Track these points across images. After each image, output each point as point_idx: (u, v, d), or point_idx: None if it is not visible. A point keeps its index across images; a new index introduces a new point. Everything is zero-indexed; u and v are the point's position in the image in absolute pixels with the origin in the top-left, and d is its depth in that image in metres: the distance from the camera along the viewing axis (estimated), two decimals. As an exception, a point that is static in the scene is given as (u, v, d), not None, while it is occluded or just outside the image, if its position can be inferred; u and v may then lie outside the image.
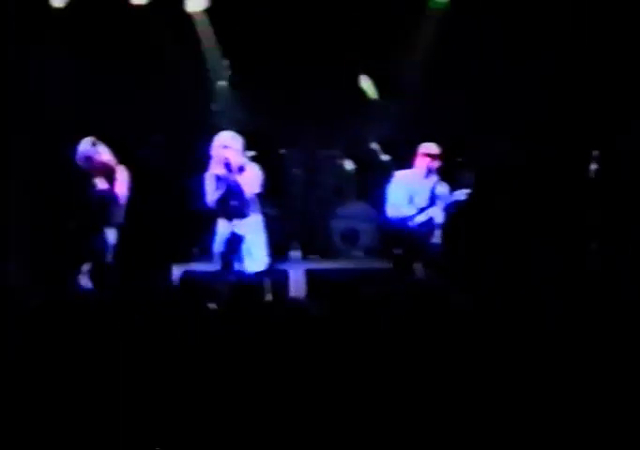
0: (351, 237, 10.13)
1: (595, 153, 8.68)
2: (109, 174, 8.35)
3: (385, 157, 9.65)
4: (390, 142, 9.65)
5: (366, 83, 10.18)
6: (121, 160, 8.58)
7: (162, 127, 9.96)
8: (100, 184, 8.29)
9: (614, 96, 9.43)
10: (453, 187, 8.73)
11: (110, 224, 8.38)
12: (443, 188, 8.82)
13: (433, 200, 8.81)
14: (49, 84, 9.65)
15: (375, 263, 9.35)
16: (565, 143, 9.44)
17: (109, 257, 8.56)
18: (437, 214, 8.75)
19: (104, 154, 8.28)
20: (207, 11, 9.98)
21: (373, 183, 9.67)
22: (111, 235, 8.47)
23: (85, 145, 8.38)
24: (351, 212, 10.19)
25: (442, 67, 9.69)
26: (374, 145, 9.82)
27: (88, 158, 8.31)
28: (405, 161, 9.05)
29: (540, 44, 9.52)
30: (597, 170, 8.70)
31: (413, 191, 8.85)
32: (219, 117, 9.85)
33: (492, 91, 9.42)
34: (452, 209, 8.72)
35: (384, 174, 9.37)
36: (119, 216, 8.44)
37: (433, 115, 9.55)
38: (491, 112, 9.47)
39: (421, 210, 8.76)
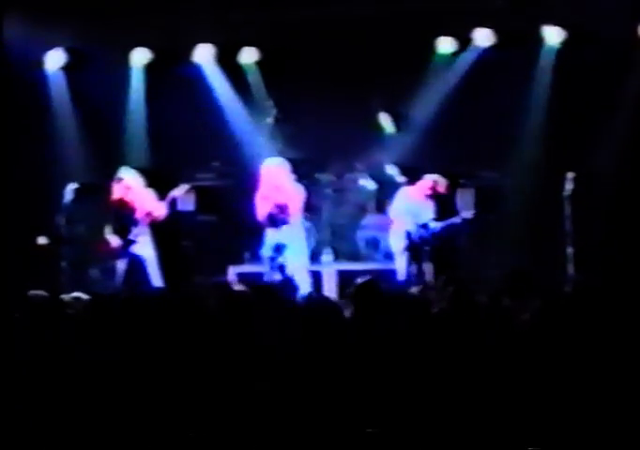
0: (373, 244, 10.74)
1: (570, 175, 9.64)
2: None
3: (400, 179, 10.36)
4: (403, 167, 10.39)
5: (385, 120, 10.93)
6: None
7: (220, 155, 11.05)
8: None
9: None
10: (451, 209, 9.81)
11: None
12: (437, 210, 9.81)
13: (433, 217, 9.79)
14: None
15: (393, 265, 10.05)
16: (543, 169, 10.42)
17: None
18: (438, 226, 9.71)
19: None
20: (257, 63, 10.98)
21: (390, 199, 10.31)
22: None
23: None
24: (373, 223, 10.78)
25: (445, 108, 10.67)
26: (391, 169, 10.49)
27: None
28: (415, 182, 10.07)
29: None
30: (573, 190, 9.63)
31: (413, 206, 9.79)
32: (265, 147, 10.68)
33: (483, 127, 10.38)
34: (450, 229, 9.73)
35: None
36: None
37: (437, 146, 10.51)
38: (482, 144, 10.42)
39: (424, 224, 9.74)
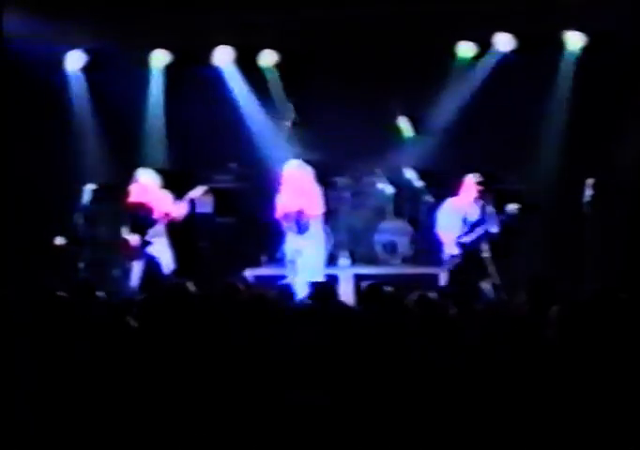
0: (390, 248, 10.85)
1: (590, 181, 9.56)
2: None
3: (418, 183, 10.40)
4: (421, 171, 10.42)
5: (404, 124, 10.92)
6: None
7: (239, 157, 11.01)
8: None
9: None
10: (499, 209, 9.48)
11: None
12: (490, 210, 9.51)
13: (482, 220, 9.45)
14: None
15: (410, 270, 10.31)
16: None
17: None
18: (490, 229, 9.42)
19: None
20: (276, 65, 10.95)
21: (407, 203, 10.76)
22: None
23: None
24: (390, 227, 10.89)
25: (464, 112, 10.65)
26: (409, 173, 10.47)
27: None
28: (438, 186, 10.09)
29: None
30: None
31: (465, 215, 9.47)
32: (284, 150, 10.65)
33: (502, 132, 10.40)
34: (506, 222, 9.43)
35: (417, 196, 10.45)
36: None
37: (456, 150, 10.48)
38: (501, 149, 10.39)
39: (471, 228, 9.44)
